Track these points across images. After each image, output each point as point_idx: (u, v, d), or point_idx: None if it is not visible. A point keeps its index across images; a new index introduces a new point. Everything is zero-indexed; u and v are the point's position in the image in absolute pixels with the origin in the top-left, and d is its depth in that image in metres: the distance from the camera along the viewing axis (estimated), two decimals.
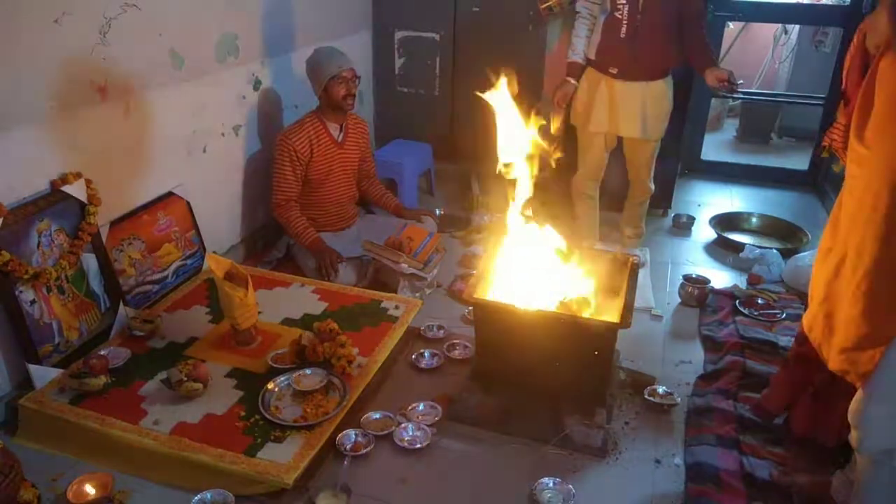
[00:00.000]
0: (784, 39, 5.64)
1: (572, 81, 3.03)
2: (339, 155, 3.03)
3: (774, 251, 3.34)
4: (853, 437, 1.58)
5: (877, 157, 1.46)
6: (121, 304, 2.46)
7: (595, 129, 3.03)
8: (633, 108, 2.93)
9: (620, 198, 3.41)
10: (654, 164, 3.20)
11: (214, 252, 2.78)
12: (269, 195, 2.98)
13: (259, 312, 2.42)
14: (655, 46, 2.83)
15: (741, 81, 2.69)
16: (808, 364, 2.00)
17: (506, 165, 2.23)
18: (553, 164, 2.30)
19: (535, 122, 2.21)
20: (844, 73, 1.89)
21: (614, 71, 2.89)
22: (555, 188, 3.35)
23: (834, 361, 1.58)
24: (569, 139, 3.50)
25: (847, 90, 1.88)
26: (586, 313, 2.13)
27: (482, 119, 4.02)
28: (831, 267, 1.61)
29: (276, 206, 2.94)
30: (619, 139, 3.12)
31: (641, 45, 2.80)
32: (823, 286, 1.64)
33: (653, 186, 3.28)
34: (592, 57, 2.95)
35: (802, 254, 3.26)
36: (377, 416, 2.18)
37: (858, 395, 1.55)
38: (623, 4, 2.77)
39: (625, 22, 2.79)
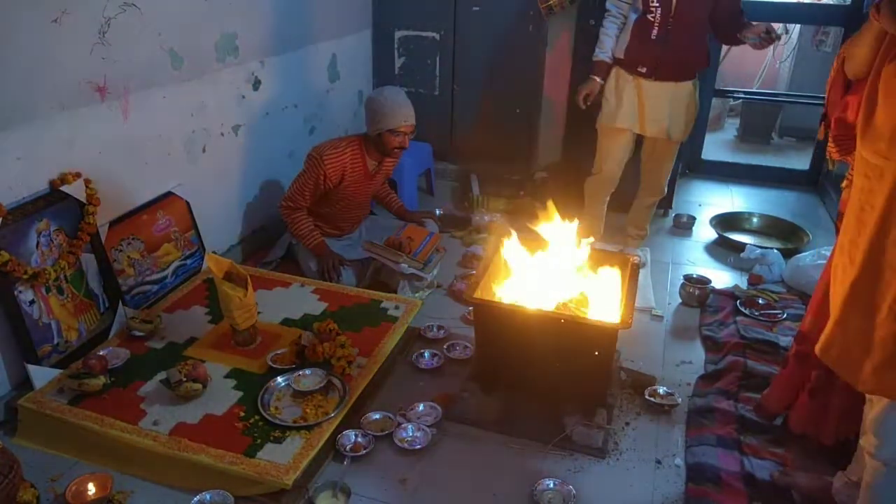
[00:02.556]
0: (785, 39, 5.64)
1: (598, 80, 2.99)
2: (367, 184, 2.99)
3: (775, 251, 3.34)
4: (869, 442, 1.55)
5: None
6: (120, 304, 2.46)
7: (622, 126, 2.99)
8: (660, 108, 2.91)
9: (628, 198, 3.38)
10: (672, 167, 3.18)
11: (214, 252, 2.77)
12: (269, 195, 2.97)
13: (259, 312, 2.42)
14: (685, 48, 2.81)
15: (781, 33, 2.64)
16: (807, 362, 2.00)
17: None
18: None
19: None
20: (827, 90, 1.90)
21: (643, 70, 2.87)
22: (555, 188, 3.35)
23: (865, 383, 1.51)
24: (576, 142, 3.45)
25: (827, 109, 1.89)
26: (586, 311, 2.13)
27: (482, 119, 4.05)
28: (849, 285, 1.56)
29: (284, 207, 2.90)
30: (638, 142, 3.10)
31: (672, 47, 2.78)
32: (844, 306, 1.58)
33: (665, 189, 3.26)
34: (621, 56, 2.92)
35: (803, 254, 3.25)
36: (377, 416, 2.18)
37: (881, 404, 1.51)
38: (656, 7, 2.74)
39: (657, 24, 2.76)
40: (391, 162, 3.05)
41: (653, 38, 2.79)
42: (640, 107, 2.93)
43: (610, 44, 2.95)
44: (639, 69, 2.88)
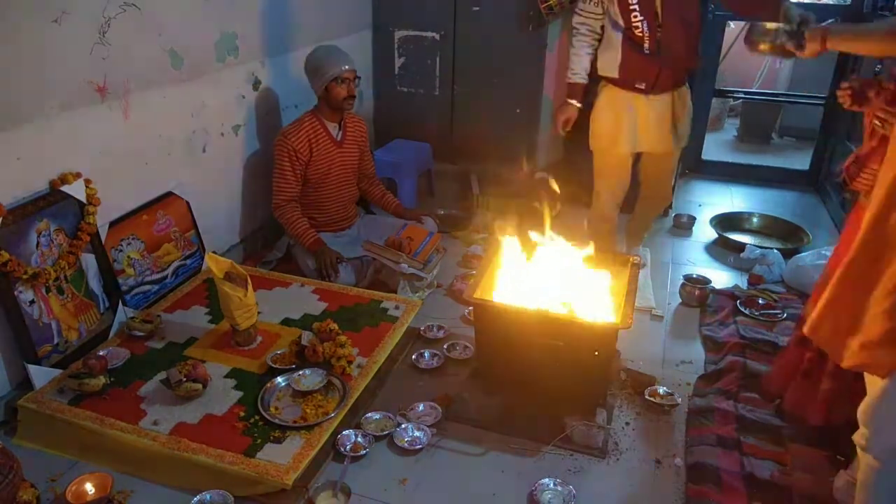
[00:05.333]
0: None
1: (575, 103, 2.84)
2: (338, 154, 3.02)
3: (775, 251, 3.34)
4: (861, 434, 1.56)
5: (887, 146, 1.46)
6: (120, 304, 2.46)
7: (625, 150, 2.83)
8: (664, 122, 2.78)
9: (630, 198, 3.29)
10: (675, 172, 3.08)
11: (214, 252, 2.77)
12: (268, 195, 2.98)
13: (259, 312, 2.42)
14: (682, 54, 2.67)
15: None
16: (805, 345, 2.09)
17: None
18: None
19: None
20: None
21: (642, 86, 2.71)
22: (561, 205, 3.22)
23: (851, 358, 1.56)
24: (576, 142, 3.38)
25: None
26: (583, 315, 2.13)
27: (482, 119, 4.05)
28: (846, 263, 1.59)
29: (276, 207, 2.94)
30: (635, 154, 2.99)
31: (668, 57, 2.64)
32: (838, 283, 1.63)
33: (671, 196, 3.16)
34: (615, 75, 2.74)
35: (803, 254, 3.25)
36: (377, 416, 2.18)
37: (871, 393, 1.53)
38: (640, 20, 2.58)
39: (647, 38, 2.61)
40: (353, 125, 3.09)
41: (647, 52, 2.63)
42: (644, 124, 2.79)
43: (583, 64, 2.80)
44: (637, 86, 2.73)
